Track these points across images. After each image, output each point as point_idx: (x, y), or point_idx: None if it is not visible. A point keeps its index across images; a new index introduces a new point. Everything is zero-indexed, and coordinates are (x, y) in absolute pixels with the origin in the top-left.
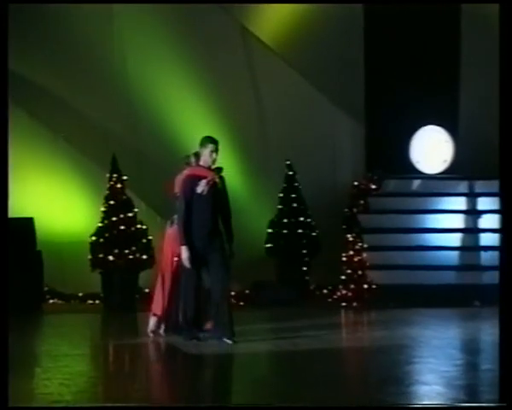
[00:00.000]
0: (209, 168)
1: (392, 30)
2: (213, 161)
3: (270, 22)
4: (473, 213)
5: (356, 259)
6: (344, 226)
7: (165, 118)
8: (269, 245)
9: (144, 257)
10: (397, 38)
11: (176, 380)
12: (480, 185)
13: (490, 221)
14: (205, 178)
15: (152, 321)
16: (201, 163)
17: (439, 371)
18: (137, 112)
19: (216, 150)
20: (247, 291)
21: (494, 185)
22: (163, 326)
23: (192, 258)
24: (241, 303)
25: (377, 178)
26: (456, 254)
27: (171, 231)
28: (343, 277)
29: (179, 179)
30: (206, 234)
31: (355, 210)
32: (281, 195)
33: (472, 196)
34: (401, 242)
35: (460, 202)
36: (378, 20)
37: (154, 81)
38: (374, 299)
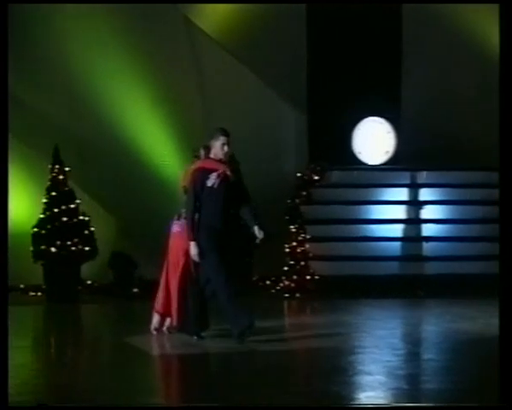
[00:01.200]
0: (220, 161)
1: (334, 24)
2: (225, 154)
3: (215, 15)
4: (415, 203)
5: (299, 250)
6: (287, 217)
7: (108, 109)
8: None
9: (87, 248)
10: (339, 32)
11: (116, 372)
12: (422, 176)
13: (432, 212)
14: (215, 171)
15: (155, 319)
16: (212, 156)
17: (382, 360)
18: (80, 103)
19: (228, 143)
20: None
21: (436, 176)
22: (167, 324)
23: (202, 253)
24: None
25: (320, 170)
26: (398, 244)
27: (178, 226)
28: (286, 268)
29: (188, 172)
30: (217, 229)
31: (298, 201)
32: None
33: (414, 186)
34: (344, 233)
35: (402, 193)
36: (321, 14)
37: (98, 72)
38: (317, 290)
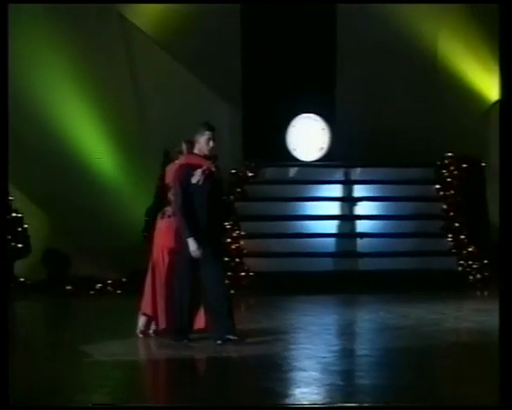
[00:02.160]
0: (205, 157)
1: (269, 21)
2: (210, 150)
3: (150, 11)
4: (349, 200)
5: (233, 246)
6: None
7: (40, 105)
8: (146, 233)
9: (20, 246)
10: (274, 29)
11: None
12: (356, 172)
13: (366, 208)
14: (200, 167)
15: (141, 321)
16: (196, 151)
17: (317, 356)
18: (14, 98)
19: (213, 138)
20: (124, 279)
21: (370, 172)
22: (153, 326)
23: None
24: (119, 291)
25: (254, 166)
26: (333, 240)
27: (163, 224)
28: None
29: (171, 169)
30: (202, 227)
31: (232, 198)
32: (158, 183)
33: (348, 183)
34: (279, 229)
35: (337, 190)
36: (255, 11)
37: (32, 68)
38: (252, 286)
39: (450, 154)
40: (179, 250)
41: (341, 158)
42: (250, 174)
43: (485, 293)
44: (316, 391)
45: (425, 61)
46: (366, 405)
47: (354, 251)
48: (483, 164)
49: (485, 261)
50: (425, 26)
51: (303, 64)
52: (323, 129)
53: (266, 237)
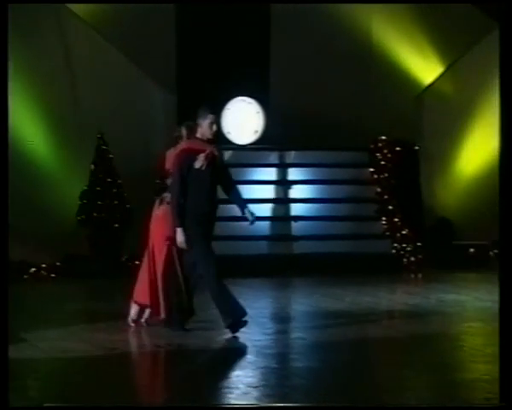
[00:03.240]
0: (207, 141)
1: (204, 7)
2: (213, 134)
3: None
4: (284, 183)
5: None
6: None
7: None
8: (80, 217)
9: None
10: (209, 14)
11: None
12: (290, 156)
13: (301, 191)
14: (203, 152)
15: (133, 310)
16: (198, 136)
17: (251, 340)
18: None
19: (216, 122)
20: (58, 263)
21: (304, 156)
22: (145, 315)
23: (188, 241)
24: (53, 275)
25: None
26: (267, 224)
27: (161, 211)
28: None
29: (172, 154)
30: (204, 213)
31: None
32: (92, 167)
33: (283, 166)
34: None
35: (271, 173)
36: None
37: None
38: None
39: (383, 137)
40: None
41: (276, 141)
42: None
43: (419, 276)
44: (250, 374)
45: (359, 46)
46: (366, 405)
47: (289, 234)
48: (416, 147)
49: (419, 244)
50: (359, 12)
51: (237, 48)
52: (258, 112)
53: None
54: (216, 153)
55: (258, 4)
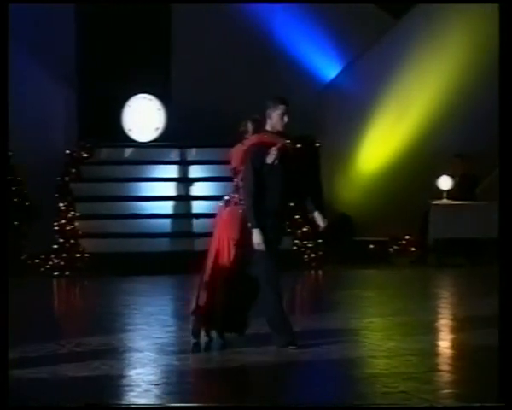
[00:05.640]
0: (278, 133)
1: (104, 2)
2: (284, 126)
3: None
4: (185, 180)
5: (68, 227)
6: (56, 195)
7: None
8: None
9: None
10: (109, 10)
11: None
12: (191, 153)
13: (201, 189)
14: (274, 145)
15: (193, 321)
16: (268, 128)
17: (152, 337)
18: None
19: (287, 112)
20: None
21: (205, 153)
22: (205, 326)
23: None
24: None
25: (90, 146)
26: (169, 221)
27: (228, 213)
28: (55, 246)
29: (239, 151)
30: (277, 214)
31: (67, 178)
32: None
33: (184, 163)
34: (115, 210)
35: (172, 170)
36: None
37: None
38: (87, 268)
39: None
40: (246, 243)
41: (177, 138)
42: (85, 155)
43: (320, 272)
44: (151, 372)
45: (260, 43)
46: (366, 405)
47: (190, 232)
48: (317, 144)
49: (320, 241)
50: (261, 9)
51: (138, 45)
52: (159, 109)
53: (102, 217)
54: (288, 146)
55: (158, 6)
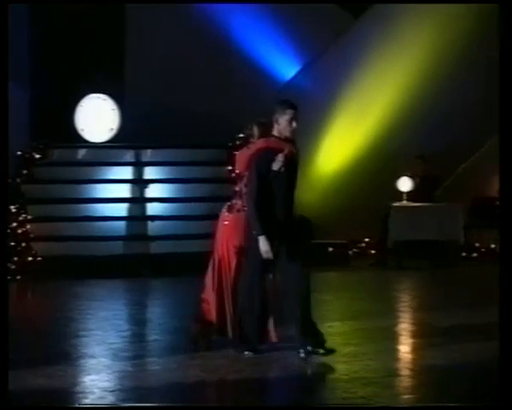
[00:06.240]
0: (285, 139)
1: (58, 1)
2: (292, 132)
3: None
4: (140, 182)
5: (19, 230)
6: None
7: None
8: None
9: None
10: (63, 8)
11: None
12: (146, 154)
13: (157, 190)
14: (281, 151)
15: (195, 329)
16: (275, 133)
17: (107, 343)
18: None
19: (296, 117)
20: None
21: (161, 154)
22: (213, 335)
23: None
24: None
25: (42, 148)
26: (123, 224)
27: (231, 219)
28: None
29: (244, 155)
30: (281, 219)
31: (19, 180)
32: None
33: (139, 164)
34: (68, 212)
35: (127, 172)
36: None
37: None
38: (40, 271)
39: (242, 135)
40: (249, 250)
41: (132, 139)
42: (37, 156)
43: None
44: (106, 378)
45: (219, 42)
46: (366, 405)
47: (145, 234)
48: None
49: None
50: (219, 9)
51: (91, 44)
52: (113, 109)
53: (55, 220)
54: (295, 152)
55: (112, 6)
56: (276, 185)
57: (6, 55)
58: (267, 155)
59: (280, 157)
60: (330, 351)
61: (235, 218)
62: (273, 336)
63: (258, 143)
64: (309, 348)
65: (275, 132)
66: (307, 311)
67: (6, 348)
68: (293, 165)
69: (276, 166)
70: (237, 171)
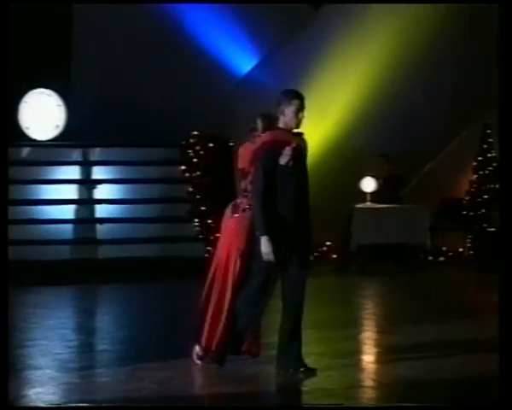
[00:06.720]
0: (292, 132)
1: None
2: (299, 123)
3: None
4: (88, 182)
5: None
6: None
7: None
8: None
9: None
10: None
11: None
12: (95, 153)
13: (106, 191)
14: (288, 144)
15: (198, 346)
16: (281, 125)
17: (52, 353)
18: None
19: (302, 108)
20: None
21: (110, 153)
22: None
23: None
24: None
25: None
26: (70, 227)
27: (235, 220)
28: None
29: (248, 150)
30: (291, 221)
31: None
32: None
33: (87, 164)
34: (11, 215)
35: (74, 171)
36: None
37: None
38: None
39: (195, 132)
40: (254, 253)
41: (79, 137)
42: None
43: None
44: (51, 391)
45: (171, 36)
46: (366, 405)
47: (93, 238)
48: (231, 143)
49: None
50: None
51: (37, 37)
52: (59, 105)
53: None
54: (303, 145)
55: (59, 6)
56: (283, 182)
57: (6, 55)
58: (274, 148)
59: (287, 150)
60: (312, 370)
61: (239, 219)
62: (252, 349)
63: (263, 137)
64: (294, 367)
65: (280, 125)
66: (298, 325)
67: (6, 348)
68: (302, 159)
69: (283, 160)
70: (241, 167)
